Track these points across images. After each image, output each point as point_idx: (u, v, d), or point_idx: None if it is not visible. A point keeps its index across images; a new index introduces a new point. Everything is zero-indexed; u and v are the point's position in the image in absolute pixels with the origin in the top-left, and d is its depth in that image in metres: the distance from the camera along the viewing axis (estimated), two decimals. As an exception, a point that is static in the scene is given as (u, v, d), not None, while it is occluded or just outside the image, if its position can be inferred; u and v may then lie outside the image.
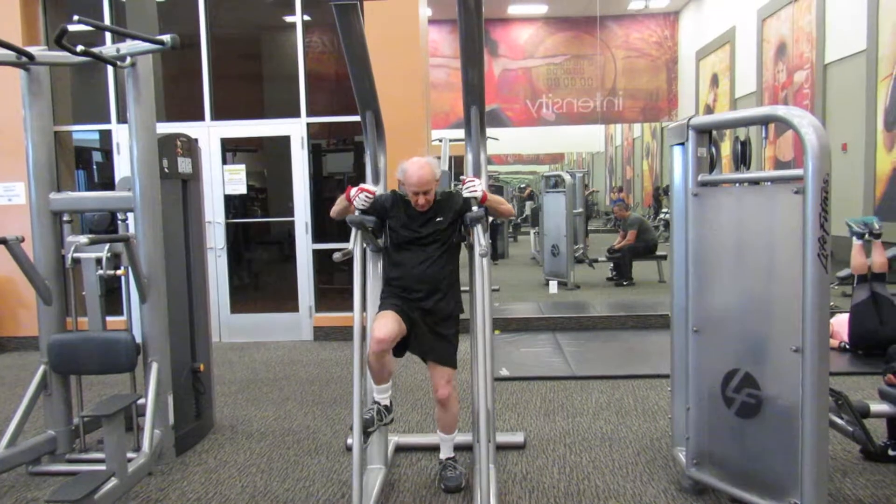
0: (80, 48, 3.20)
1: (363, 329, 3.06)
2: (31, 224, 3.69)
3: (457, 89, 3.76)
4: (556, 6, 17.46)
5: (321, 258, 6.82)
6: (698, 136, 3.11)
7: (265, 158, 7.57)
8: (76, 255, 3.70)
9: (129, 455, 3.32)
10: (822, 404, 2.61)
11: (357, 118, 3.80)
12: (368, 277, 3.38)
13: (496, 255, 12.12)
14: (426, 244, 3.21)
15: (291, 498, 3.29)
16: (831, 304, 4.80)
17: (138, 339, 3.66)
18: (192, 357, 4.15)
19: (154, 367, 3.64)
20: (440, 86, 16.48)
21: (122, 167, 6.62)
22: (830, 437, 3.09)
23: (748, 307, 2.88)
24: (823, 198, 2.51)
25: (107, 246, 3.78)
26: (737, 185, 3.17)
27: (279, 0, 7.09)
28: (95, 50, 3.39)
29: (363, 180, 3.61)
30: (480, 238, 3.07)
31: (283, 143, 6.78)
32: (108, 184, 7.04)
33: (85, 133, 7.28)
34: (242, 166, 6.86)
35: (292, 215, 6.83)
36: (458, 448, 3.76)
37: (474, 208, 3.15)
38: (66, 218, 3.78)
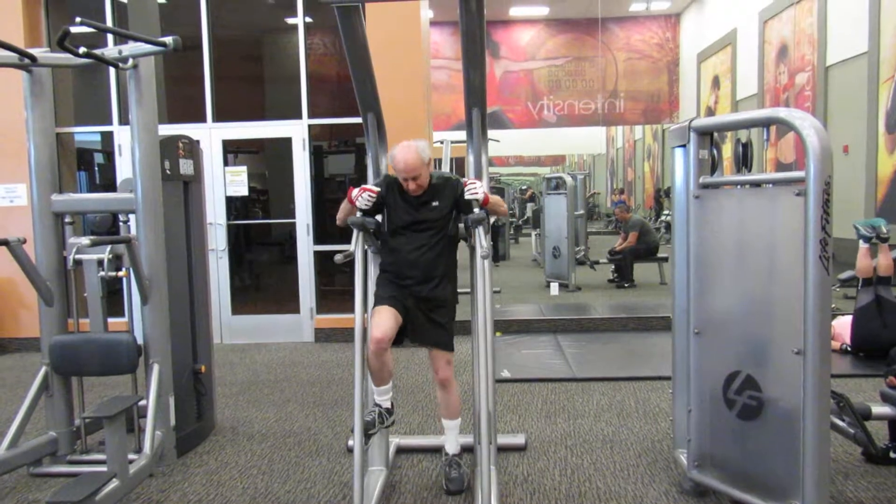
0: (82, 50, 3.20)
1: (364, 331, 3.06)
2: (33, 225, 3.70)
3: (458, 91, 3.77)
4: (557, 8, 17.48)
5: (322, 260, 6.82)
6: (700, 138, 3.11)
7: (267, 160, 7.58)
8: (78, 256, 3.70)
9: (131, 456, 3.32)
10: (824, 406, 2.61)
11: (358, 120, 3.80)
12: (370, 279, 3.38)
13: (497, 256, 12.12)
14: (421, 230, 3.19)
15: (292, 500, 3.29)
16: (832, 306, 4.80)
17: (140, 341, 3.67)
18: (193, 358, 4.15)
19: (155, 368, 3.64)
20: (442, 87, 16.49)
21: (124, 169, 6.62)
22: (832, 439, 3.08)
23: (749, 309, 2.88)
24: (825, 200, 2.51)
25: (108, 247, 3.78)
26: (738, 187, 3.18)
27: (281, 2, 7.10)
28: (97, 52, 3.40)
29: (365, 182, 3.61)
30: (482, 240, 3.06)
31: (285, 144, 6.79)
32: (109, 185, 7.05)
33: (87, 135, 7.30)
34: (244, 168, 6.87)
35: (294, 217, 6.83)
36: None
37: (476, 210, 3.15)
38: (67, 219, 3.78)
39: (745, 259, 2.89)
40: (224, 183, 6.79)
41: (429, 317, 3.22)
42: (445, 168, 8.81)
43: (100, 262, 3.84)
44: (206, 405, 4.20)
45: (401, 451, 3.79)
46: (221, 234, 6.80)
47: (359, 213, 3.14)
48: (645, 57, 18.10)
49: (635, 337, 6.56)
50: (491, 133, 4.21)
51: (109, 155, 7.10)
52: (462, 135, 3.97)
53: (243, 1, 7.33)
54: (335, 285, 7.17)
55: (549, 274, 9.87)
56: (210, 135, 6.73)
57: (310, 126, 6.74)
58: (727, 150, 3.81)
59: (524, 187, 25.04)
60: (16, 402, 4.21)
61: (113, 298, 4.19)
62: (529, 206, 19.14)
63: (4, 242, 3.41)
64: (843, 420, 3.31)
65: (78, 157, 7.28)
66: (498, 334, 6.47)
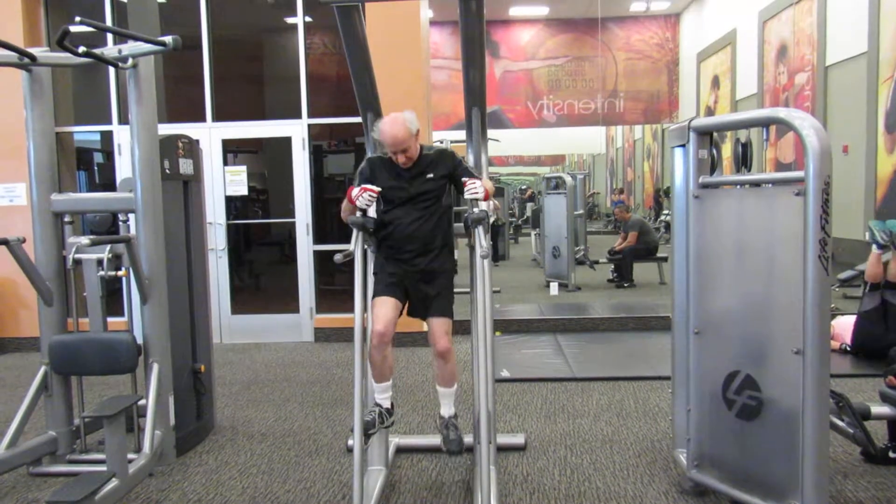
0: (81, 49, 3.20)
1: (364, 330, 3.06)
2: (33, 225, 3.70)
3: (458, 91, 3.77)
4: (557, 8, 17.47)
5: (322, 259, 6.82)
6: (699, 137, 3.11)
7: (266, 160, 7.58)
8: (77, 256, 3.70)
9: (130, 456, 3.32)
10: (823, 406, 2.61)
11: (358, 119, 3.80)
12: (369, 279, 3.38)
13: (497, 256, 12.12)
14: (417, 202, 3.15)
15: (292, 499, 3.29)
16: (832, 305, 4.79)
17: (139, 340, 3.67)
18: (192, 358, 4.15)
19: (155, 367, 3.64)
20: (441, 87, 16.48)
21: (124, 168, 6.62)
22: (831, 439, 3.08)
23: (749, 309, 2.88)
24: (824, 200, 2.51)
25: (108, 247, 3.78)
26: (738, 186, 3.18)
27: (281, 2, 7.10)
28: (97, 51, 3.40)
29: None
30: (481, 240, 3.06)
31: (285, 144, 6.79)
32: (109, 185, 7.04)
33: (86, 134, 7.29)
34: (243, 167, 6.87)
35: (293, 216, 6.83)
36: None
37: (475, 210, 3.14)
38: (67, 219, 3.78)
39: (744, 259, 2.89)
40: (224, 182, 6.79)
41: (429, 287, 3.18)
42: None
43: (99, 262, 3.84)
44: (205, 405, 4.20)
45: (400, 450, 3.79)
46: (221, 233, 6.80)
47: (358, 213, 3.13)
48: (645, 57, 18.10)
49: (635, 337, 6.56)
50: (491, 133, 4.22)
51: (109, 154, 7.09)
52: (462, 134, 3.97)
53: (243, 0, 7.33)
54: (335, 285, 7.17)
55: (549, 274, 9.87)
56: (210, 134, 6.73)
57: (309, 125, 6.74)
58: (727, 150, 3.82)
59: (524, 187, 25.05)
60: (15, 402, 4.21)
61: (112, 298, 4.19)
62: (529, 205, 19.15)
63: (4, 242, 3.41)
64: (843, 420, 3.31)
65: (77, 156, 7.28)
66: (498, 334, 6.47)
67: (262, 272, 7.75)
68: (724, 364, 2.97)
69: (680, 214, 3.25)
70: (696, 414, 3.11)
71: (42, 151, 3.70)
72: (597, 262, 10.60)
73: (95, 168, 7.63)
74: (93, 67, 4.05)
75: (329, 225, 7.03)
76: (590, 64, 18.02)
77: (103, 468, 3.11)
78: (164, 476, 3.59)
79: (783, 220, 2.71)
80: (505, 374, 5.25)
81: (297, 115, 6.71)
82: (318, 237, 6.82)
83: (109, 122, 6.85)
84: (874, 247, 5.14)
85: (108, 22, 6.66)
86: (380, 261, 3.26)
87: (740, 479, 2.92)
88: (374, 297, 3.20)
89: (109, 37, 6.34)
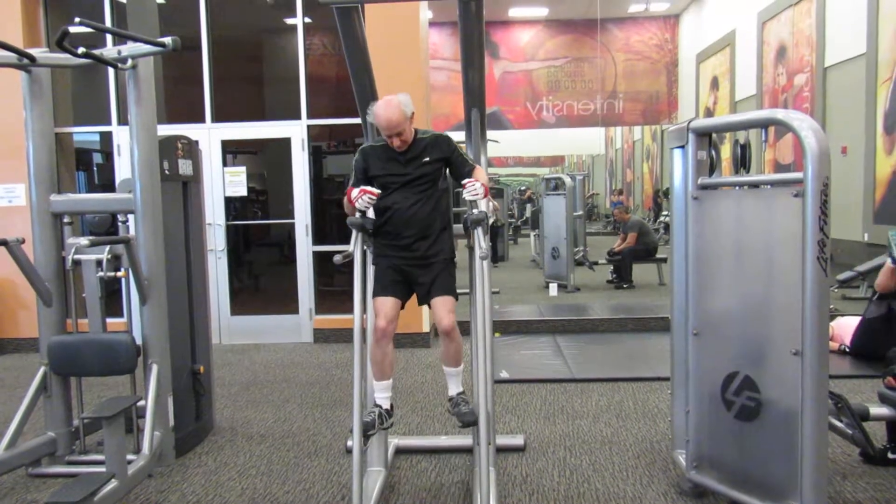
0: (81, 50, 3.20)
1: (363, 331, 3.06)
2: (32, 226, 3.70)
3: (457, 91, 3.77)
4: (556, 9, 17.48)
5: (321, 260, 6.82)
6: (698, 139, 3.12)
7: (266, 160, 7.58)
8: (76, 256, 3.70)
9: (129, 457, 3.32)
10: (822, 407, 2.61)
11: (357, 120, 3.81)
12: (369, 279, 3.38)
13: (496, 257, 12.13)
14: (414, 185, 3.13)
15: (291, 500, 3.29)
16: (831, 306, 4.78)
17: (138, 341, 3.66)
18: (192, 359, 4.15)
19: (154, 368, 3.64)
20: (441, 88, 16.49)
21: (123, 169, 6.62)
22: (830, 440, 3.09)
23: (748, 310, 2.88)
24: (823, 201, 2.51)
25: (107, 248, 3.78)
26: (736, 188, 3.18)
27: (280, 2, 7.10)
28: (96, 52, 3.40)
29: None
30: (481, 241, 3.05)
31: (284, 145, 6.79)
32: (108, 185, 7.04)
33: (86, 135, 7.29)
34: (243, 168, 6.87)
35: (293, 217, 6.83)
36: (457, 451, 3.78)
37: (474, 211, 3.14)
38: (66, 220, 3.78)
39: (743, 260, 2.90)
40: (223, 183, 6.79)
41: (429, 273, 3.16)
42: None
43: (98, 263, 3.84)
44: (204, 406, 4.20)
45: (400, 451, 3.79)
46: (220, 234, 6.80)
47: (357, 214, 3.12)
48: (644, 58, 18.11)
49: (634, 338, 6.56)
50: (490, 134, 4.22)
51: (108, 155, 7.10)
52: (461, 135, 3.97)
53: (242, 1, 7.33)
54: (334, 286, 7.17)
55: (548, 275, 9.87)
56: (209, 135, 6.73)
57: (309, 126, 6.74)
58: (726, 151, 3.82)
59: (523, 188, 25.06)
60: (14, 403, 4.21)
61: (112, 299, 4.20)
62: (528, 206, 19.16)
63: (3, 243, 3.41)
64: (842, 421, 3.31)
65: (77, 157, 7.28)
66: (497, 335, 6.47)
67: (261, 273, 7.75)
68: (723, 365, 2.97)
69: (679, 215, 3.25)
70: (695, 415, 3.11)
71: (41, 152, 3.70)
72: (596, 263, 10.60)
73: (95, 169, 7.63)
74: (92, 68, 4.06)
75: (328, 226, 7.03)
76: (589, 65, 18.03)
77: (102, 469, 3.11)
78: (163, 477, 3.59)
79: (782, 221, 2.71)
80: (504, 375, 5.25)
81: (297, 116, 6.72)
82: (318, 238, 6.82)
83: (109, 122, 6.85)
84: (889, 260, 5.02)
85: (108, 23, 6.66)
86: (379, 250, 3.22)
87: (739, 480, 2.92)
88: (374, 296, 3.19)
89: (109, 37, 6.34)
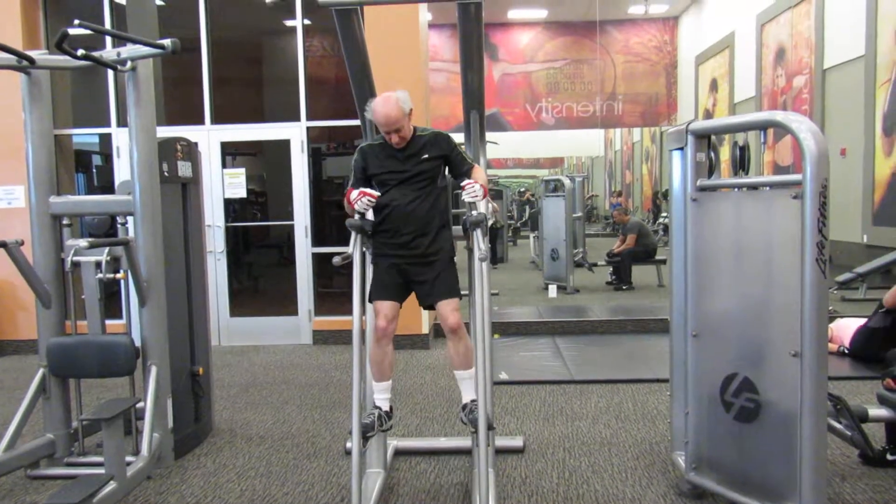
0: (80, 52, 3.20)
1: (362, 332, 3.05)
2: (31, 227, 3.70)
3: (457, 93, 3.78)
4: (555, 11, 17.50)
5: (321, 262, 6.82)
6: (697, 140, 3.12)
7: (265, 162, 7.58)
8: (76, 258, 3.70)
9: (128, 458, 3.32)
10: (821, 409, 2.61)
11: (357, 122, 3.81)
12: (368, 281, 3.38)
13: (495, 259, 12.12)
14: (413, 182, 3.12)
15: (290, 502, 3.29)
16: (830, 308, 4.79)
17: (137, 343, 3.66)
18: (191, 360, 4.15)
19: (153, 370, 3.64)
20: (440, 90, 16.50)
21: (122, 171, 6.62)
22: (829, 441, 3.09)
23: (747, 311, 2.88)
24: (822, 203, 2.52)
25: (106, 249, 3.78)
26: (735, 189, 3.18)
27: (280, 4, 7.11)
28: (96, 54, 3.40)
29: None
30: (480, 242, 3.05)
31: (283, 146, 6.79)
32: (107, 187, 7.04)
33: (85, 136, 7.29)
34: (242, 170, 6.87)
35: (292, 219, 6.83)
36: (456, 452, 3.78)
37: (473, 212, 3.14)
38: (65, 221, 3.78)
39: (742, 262, 2.90)
40: (222, 185, 6.79)
41: (430, 273, 3.15)
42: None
43: (98, 264, 3.83)
44: (203, 407, 4.20)
45: (399, 453, 3.79)
46: (220, 236, 6.80)
47: (357, 216, 3.12)
48: (643, 60, 18.13)
49: (633, 339, 6.57)
50: (489, 135, 4.23)
51: (108, 157, 7.09)
52: (460, 137, 3.98)
53: (242, 3, 7.34)
54: (333, 287, 7.17)
55: (548, 276, 9.88)
56: (208, 137, 6.73)
57: (308, 128, 6.74)
58: (725, 153, 3.82)
59: (522, 189, 25.06)
60: (13, 405, 4.20)
61: (111, 300, 4.19)
62: (526, 207, 19.17)
63: (2, 244, 3.41)
64: (841, 422, 3.31)
65: (76, 159, 7.28)
66: (496, 336, 6.47)
67: (260, 275, 7.75)
68: (722, 366, 2.97)
69: (678, 217, 3.26)
70: (695, 416, 3.11)
71: (41, 154, 3.70)
72: (595, 265, 10.61)
73: (94, 171, 7.63)
74: (91, 70, 4.06)
75: (328, 227, 7.03)
76: (588, 67, 18.05)
77: (101, 471, 3.11)
78: (162, 479, 3.59)
79: (781, 223, 2.71)
80: (503, 376, 5.25)
81: (296, 118, 6.72)
82: (317, 240, 6.82)
83: (108, 124, 6.85)
84: None
85: (107, 25, 6.66)
86: (378, 249, 3.20)
87: (738, 482, 2.92)
88: (372, 299, 3.19)
89: (108, 39, 6.34)
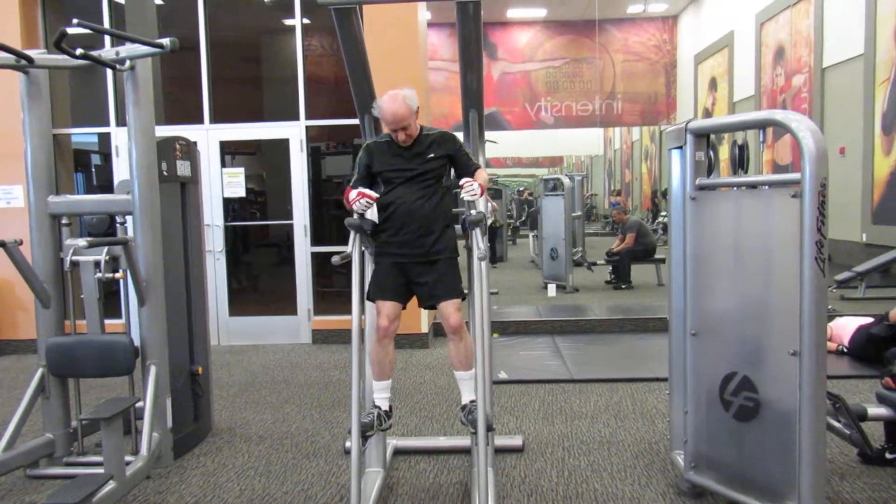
0: (79, 51, 3.20)
1: (361, 332, 3.05)
2: (30, 227, 3.70)
3: (456, 93, 3.79)
4: (554, 10, 17.50)
5: (320, 261, 6.82)
6: (696, 139, 3.12)
7: (264, 162, 7.58)
8: (75, 258, 3.69)
9: (128, 458, 3.31)
10: (820, 407, 2.61)
11: (356, 121, 3.81)
12: (367, 280, 3.38)
13: (495, 258, 12.13)
14: (418, 181, 3.12)
15: (290, 501, 3.29)
16: (829, 307, 4.79)
17: (137, 342, 3.66)
18: (190, 360, 4.15)
19: (152, 370, 3.64)
20: (439, 89, 16.51)
21: (121, 170, 6.61)
22: (828, 440, 3.09)
23: (746, 310, 2.88)
24: (821, 202, 2.51)
25: (105, 249, 3.78)
26: (734, 188, 3.18)
27: (279, 4, 7.10)
28: (94, 53, 3.40)
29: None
30: (479, 241, 3.05)
31: (282, 146, 6.79)
32: (106, 187, 7.04)
33: (84, 136, 7.29)
34: (241, 169, 6.87)
35: (291, 218, 6.83)
36: (456, 451, 3.78)
37: (472, 211, 3.14)
38: (64, 221, 3.78)
39: (741, 260, 2.90)
40: (221, 184, 6.79)
41: (432, 273, 3.14)
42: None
43: (97, 264, 3.83)
44: (203, 407, 4.20)
45: (398, 452, 3.79)
46: (219, 235, 6.80)
47: (356, 215, 3.12)
48: (642, 59, 18.14)
49: (633, 338, 6.57)
50: (488, 134, 4.23)
51: (106, 156, 7.09)
52: (460, 136, 3.97)
53: (241, 2, 7.33)
54: (332, 287, 7.17)
55: (547, 275, 9.88)
56: (207, 136, 6.73)
57: (307, 127, 6.74)
58: (724, 152, 3.82)
59: (521, 188, 25.07)
60: (12, 404, 4.21)
61: (110, 300, 4.19)
62: (525, 206, 19.18)
63: (1, 244, 3.40)
64: (840, 421, 3.32)
65: (75, 158, 7.28)
66: (495, 336, 6.47)
67: (259, 274, 7.75)
68: (722, 365, 2.97)
69: (677, 216, 3.26)
70: (694, 415, 3.11)
71: (39, 153, 3.70)
72: (595, 264, 10.61)
73: (93, 170, 7.62)
74: (90, 69, 4.05)
75: (327, 227, 7.03)
76: (587, 66, 18.06)
77: (101, 470, 3.10)
78: (161, 478, 3.59)
79: (780, 221, 2.71)
80: (503, 375, 5.25)
81: (295, 117, 6.72)
82: (316, 239, 6.82)
83: (107, 124, 6.85)
84: None
85: (106, 24, 6.66)
86: (380, 248, 3.19)
87: (737, 481, 2.92)
88: (373, 298, 3.18)
89: (107, 39, 6.34)
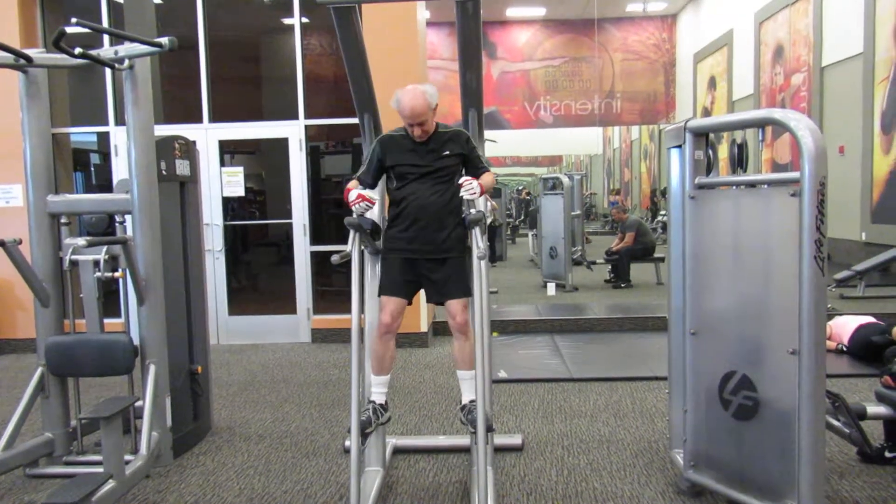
0: (78, 51, 3.19)
1: (361, 331, 3.05)
2: (29, 226, 3.69)
3: (455, 92, 3.79)
4: (554, 9, 17.50)
5: (319, 260, 6.82)
6: (695, 138, 3.12)
7: (263, 161, 7.58)
8: (74, 257, 3.69)
9: (127, 457, 3.31)
10: (819, 406, 2.61)
11: (355, 120, 3.81)
12: (366, 279, 3.38)
13: (494, 257, 12.12)
14: (433, 177, 3.12)
15: (289, 500, 3.29)
16: (828, 306, 4.79)
17: (136, 342, 3.66)
18: (189, 359, 4.15)
19: (152, 369, 3.63)
20: (439, 88, 16.26)
21: (120, 169, 6.61)
22: (827, 439, 3.09)
23: (745, 309, 2.89)
24: (820, 200, 2.52)
25: (104, 248, 3.78)
26: (734, 187, 3.18)
27: (277, 2, 7.10)
28: (93, 52, 3.40)
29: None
30: (479, 240, 3.06)
31: (282, 145, 6.79)
32: (105, 186, 7.04)
33: (83, 135, 7.29)
34: (240, 168, 6.86)
35: (290, 217, 6.83)
36: (455, 450, 3.78)
37: (472, 210, 3.14)
38: (63, 220, 3.77)
39: (740, 259, 2.90)
40: (220, 183, 6.79)
41: (442, 272, 3.14)
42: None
43: (96, 263, 3.83)
44: (202, 406, 4.20)
45: (398, 451, 3.79)
46: (218, 234, 6.80)
47: (355, 214, 3.12)
48: (641, 57, 18.13)
49: (632, 337, 6.57)
50: (488, 133, 4.23)
51: (106, 155, 7.09)
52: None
53: (240, 1, 7.33)
54: (332, 286, 7.17)
55: (546, 274, 9.88)
56: (206, 135, 6.73)
57: (306, 126, 6.74)
58: (723, 151, 3.82)
59: (520, 187, 25.07)
60: (12, 404, 4.20)
61: (109, 299, 4.19)
62: (524, 205, 19.18)
63: (0, 244, 3.40)
64: (839, 420, 3.32)
65: (74, 157, 7.27)
66: (495, 335, 6.48)
67: (259, 273, 7.75)
68: (721, 364, 2.98)
69: (676, 215, 3.26)
70: (693, 414, 3.11)
71: (38, 152, 3.69)
72: (594, 263, 10.61)
73: (92, 169, 7.62)
74: (89, 69, 4.05)
75: (326, 226, 7.03)
76: (587, 65, 18.06)
77: (100, 470, 3.10)
78: (160, 477, 3.59)
79: (779, 220, 2.71)
80: (502, 374, 5.25)
81: (294, 116, 6.71)
82: (315, 238, 6.82)
83: (106, 123, 6.84)
84: None
85: (105, 23, 6.65)
86: (390, 243, 3.19)
87: (737, 480, 2.92)
88: (380, 293, 3.19)
89: (106, 38, 6.33)
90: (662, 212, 16.86)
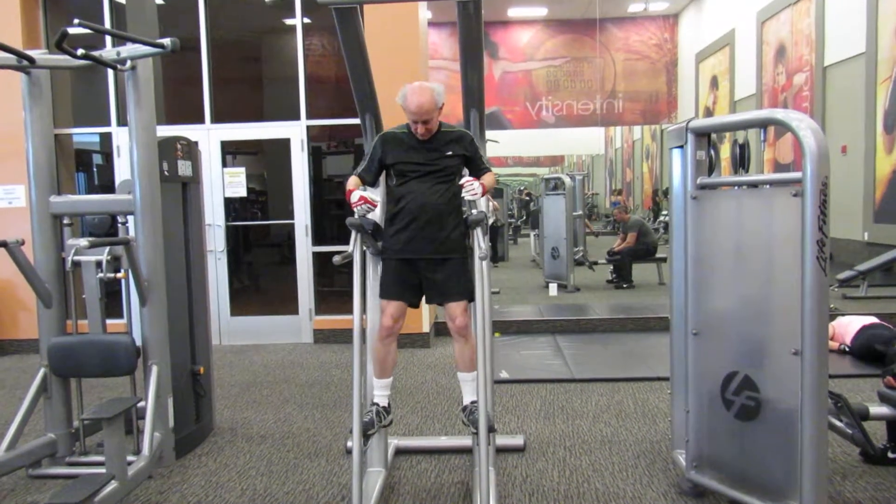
0: (80, 52, 3.20)
1: (363, 332, 3.05)
2: (32, 227, 3.70)
3: (457, 92, 3.78)
4: (555, 9, 17.49)
5: (321, 261, 6.82)
6: (697, 138, 3.12)
7: (265, 161, 7.58)
8: (76, 258, 3.70)
9: (129, 458, 3.32)
10: (822, 407, 2.61)
11: (357, 121, 3.81)
12: (368, 280, 3.38)
13: (496, 257, 12.12)
14: (434, 176, 3.11)
15: (291, 501, 3.29)
16: (831, 306, 4.78)
17: (138, 342, 3.67)
18: (192, 360, 4.15)
19: (154, 369, 3.64)
20: (440, 88, 16.49)
21: (123, 170, 6.62)
22: (830, 439, 3.09)
23: (747, 310, 2.88)
24: (822, 200, 2.51)
25: (107, 249, 3.78)
26: (736, 187, 3.18)
27: (279, 3, 7.10)
28: (96, 53, 3.40)
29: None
30: (480, 241, 3.06)
31: (283, 145, 6.79)
32: (108, 187, 7.05)
33: (85, 136, 7.29)
34: (242, 169, 6.87)
35: (292, 218, 6.83)
36: (457, 451, 3.78)
37: (473, 211, 3.14)
38: (66, 221, 3.78)
39: (742, 260, 2.90)
40: (223, 184, 6.79)
41: (442, 272, 3.14)
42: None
43: (98, 264, 3.83)
44: (204, 406, 4.20)
45: (400, 452, 3.79)
46: (220, 235, 6.80)
47: (356, 214, 3.12)
48: (643, 57, 18.13)
49: (634, 337, 6.56)
50: (489, 134, 4.22)
51: (108, 156, 7.10)
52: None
53: (242, 2, 7.34)
54: (334, 286, 7.17)
55: (548, 274, 9.87)
56: (208, 136, 6.73)
57: (308, 127, 6.74)
58: (725, 151, 3.82)
59: (522, 188, 25.07)
60: (14, 404, 4.21)
61: (111, 300, 4.19)
62: (523, 205, 19.18)
63: (3, 244, 3.41)
64: (841, 420, 3.31)
65: (76, 158, 7.28)
66: (497, 335, 6.47)
67: (261, 274, 7.75)
68: (723, 365, 2.97)
69: (678, 215, 3.25)
70: (695, 415, 3.11)
71: (41, 153, 3.70)
72: (596, 263, 10.61)
73: (94, 170, 7.63)
74: (91, 69, 4.05)
75: (328, 226, 7.03)
76: (588, 65, 18.05)
77: (102, 470, 3.10)
78: (163, 478, 3.59)
79: (781, 220, 2.71)
80: (504, 375, 5.25)
81: (296, 117, 6.72)
82: (317, 239, 6.82)
83: (108, 124, 6.85)
84: None
85: (107, 24, 6.66)
86: (390, 243, 3.18)
87: (739, 480, 2.92)
88: (381, 296, 3.19)
89: (108, 39, 6.34)
90: (664, 212, 16.85)
